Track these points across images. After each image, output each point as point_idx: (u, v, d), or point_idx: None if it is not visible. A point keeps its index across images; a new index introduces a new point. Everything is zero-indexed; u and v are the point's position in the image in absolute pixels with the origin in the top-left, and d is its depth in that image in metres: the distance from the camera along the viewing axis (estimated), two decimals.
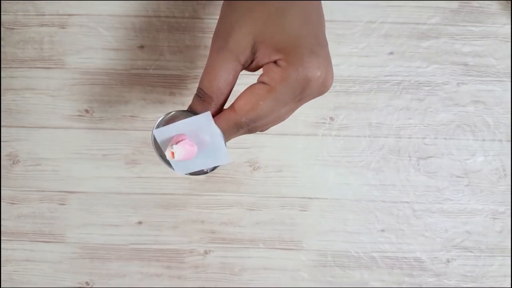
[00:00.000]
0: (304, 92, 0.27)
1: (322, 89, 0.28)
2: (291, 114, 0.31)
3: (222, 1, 0.30)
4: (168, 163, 0.30)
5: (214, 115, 0.29)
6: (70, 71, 0.48)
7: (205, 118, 0.28)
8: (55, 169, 0.48)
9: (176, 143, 0.28)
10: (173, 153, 0.28)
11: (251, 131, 0.30)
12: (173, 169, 0.30)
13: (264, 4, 0.27)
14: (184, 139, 0.28)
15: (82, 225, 0.48)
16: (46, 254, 0.48)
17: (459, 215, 0.48)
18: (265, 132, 0.48)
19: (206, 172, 0.31)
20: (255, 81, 0.33)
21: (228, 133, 0.29)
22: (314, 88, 0.27)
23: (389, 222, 0.48)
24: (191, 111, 0.29)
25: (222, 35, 0.28)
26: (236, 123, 0.28)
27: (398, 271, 0.48)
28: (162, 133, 0.28)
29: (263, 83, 0.27)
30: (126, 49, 0.48)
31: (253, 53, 0.28)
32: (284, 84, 0.27)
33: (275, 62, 0.27)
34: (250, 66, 0.29)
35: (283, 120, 0.31)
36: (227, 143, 0.30)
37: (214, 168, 0.30)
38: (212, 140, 0.28)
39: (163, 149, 0.29)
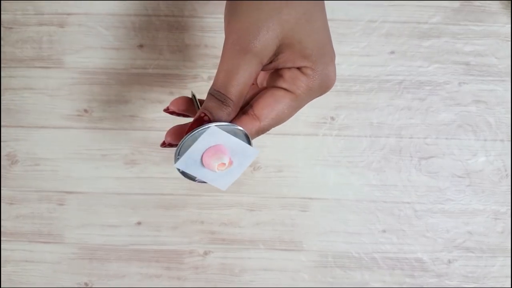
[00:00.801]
0: (321, 95, 0.28)
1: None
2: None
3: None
4: (179, 153, 0.28)
5: (232, 119, 0.28)
6: (69, 71, 0.47)
7: (254, 153, 0.28)
8: (54, 169, 0.48)
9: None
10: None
11: (259, 132, 0.30)
12: (176, 160, 0.29)
13: (292, 5, 0.26)
14: (226, 155, 0.27)
15: (81, 226, 0.48)
16: (45, 254, 0.48)
17: (460, 216, 0.48)
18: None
19: (195, 180, 0.30)
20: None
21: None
22: (327, 91, 0.28)
23: (390, 222, 0.48)
24: (240, 129, 0.28)
25: (245, 37, 0.26)
26: (259, 130, 0.28)
27: (399, 271, 0.48)
28: (215, 135, 0.27)
29: (286, 90, 0.27)
30: (125, 48, 0.47)
31: (275, 55, 0.27)
32: (309, 92, 0.27)
33: (298, 68, 0.27)
34: (267, 66, 0.28)
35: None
36: None
37: (206, 182, 0.30)
38: (235, 168, 0.28)
39: (201, 146, 0.27)
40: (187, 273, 0.48)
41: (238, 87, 0.27)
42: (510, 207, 0.48)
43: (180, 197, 0.48)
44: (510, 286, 0.48)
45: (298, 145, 0.48)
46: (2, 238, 0.48)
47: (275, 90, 0.28)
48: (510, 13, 0.47)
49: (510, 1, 0.47)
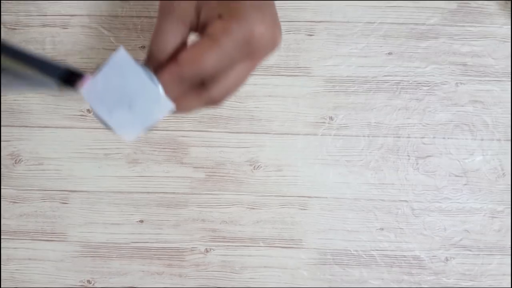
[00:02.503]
0: (250, 45, 0.27)
1: (272, 44, 0.28)
2: (247, 74, 0.30)
3: None
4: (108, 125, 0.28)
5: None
6: None
7: (120, 54, 0.26)
8: (57, 168, 0.48)
9: None
10: None
11: (212, 100, 0.29)
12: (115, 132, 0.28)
13: None
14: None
15: (84, 224, 0.49)
16: (48, 252, 0.49)
17: (457, 214, 0.48)
18: (265, 131, 0.48)
19: (104, 125, 0.28)
20: None
21: (171, 87, 0.28)
22: (261, 43, 0.27)
23: (388, 220, 0.48)
24: None
25: (166, 0, 0.28)
26: (179, 74, 0.27)
27: (397, 269, 0.48)
28: (90, 90, 0.26)
29: (207, 35, 0.27)
30: (128, 50, 0.48)
31: (198, 12, 0.28)
32: (226, 35, 0.26)
33: (218, 16, 0.27)
34: (198, 27, 0.29)
35: (242, 83, 0.30)
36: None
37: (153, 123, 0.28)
38: (139, 113, 0.27)
39: (98, 108, 0.27)
40: (189, 270, 0.48)
41: (163, 49, 0.28)
42: (508, 206, 0.48)
43: (181, 196, 0.48)
44: (509, 286, 0.48)
45: (298, 144, 0.48)
46: (5, 237, 0.49)
47: (199, 38, 0.28)
48: (507, 13, 0.48)
49: (509, 1, 0.47)
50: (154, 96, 0.27)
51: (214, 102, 0.29)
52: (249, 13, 0.26)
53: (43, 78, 0.25)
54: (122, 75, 0.27)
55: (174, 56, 0.28)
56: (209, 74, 0.27)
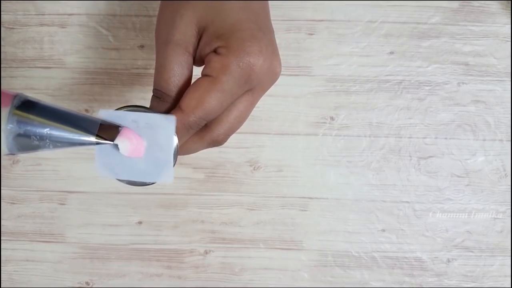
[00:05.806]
0: (251, 80, 0.26)
1: (272, 76, 0.27)
2: (250, 109, 0.29)
3: None
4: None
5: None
6: (70, 71, 0.48)
7: (169, 121, 0.25)
8: (55, 169, 0.48)
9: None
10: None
11: (215, 141, 0.28)
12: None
13: None
14: (133, 134, 0.25)
15: (82, 225, 0.48)
16: (46, 254, 0.48)
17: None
18: (265, 131, 0.48)
19: (142, 185, 0.27)
20: None
21: (179, 136, 0.26)
22: (261, 77, 0.26)
23: (389, 222, 0.48)
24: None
25: (165, 27, 0.26)
26: (185, 123, 0.26)
27: (398, 271, 0.48)
28: (111, 117, 0.25)
29: (206, 75, 0.26)
30: (126, 49, 0.47)
31: (198, 39, 0.27)
32: (226, 72, 0.25)
33: (215, 51, 0.26)
34: (195, 59, 0.27)
35: (245, 119, 0.29)
36: (186, 156, 0.28)
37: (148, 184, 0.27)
38: (163, 150, 0.25)
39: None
40: (188, 272, 0.48)
41: (170, 80, 0.26)
42: (509, 207, 0.48)
43: (180, 197, 0.48)
44: (510, 286, 0.48)
45: (298, 145, 0.48)
46: (3, 238, 0.48)
47: (198, 78, 0.26)
48: (509, 13, 0.47)
49: (510, 1, 0.47)
50: (164, 167, 0.26)
51: (217, 142, 0.28)
52: (248, 44, 0.25)
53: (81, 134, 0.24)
54: (152, 131, 0.25)
55: (184, 88, 0.26)
56: (213, 116, 0.26)
